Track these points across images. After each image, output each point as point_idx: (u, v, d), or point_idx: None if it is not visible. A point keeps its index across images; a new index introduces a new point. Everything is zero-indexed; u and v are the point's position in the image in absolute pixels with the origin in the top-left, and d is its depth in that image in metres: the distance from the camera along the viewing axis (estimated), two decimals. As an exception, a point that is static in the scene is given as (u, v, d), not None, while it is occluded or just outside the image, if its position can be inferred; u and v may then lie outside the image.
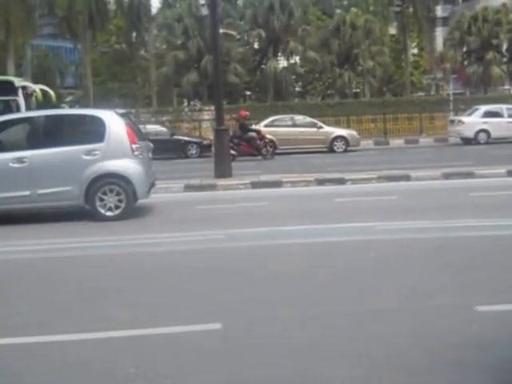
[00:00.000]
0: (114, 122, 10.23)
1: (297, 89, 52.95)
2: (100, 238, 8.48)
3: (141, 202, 10.62)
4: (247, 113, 24.50)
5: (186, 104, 47.37)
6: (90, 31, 41.04)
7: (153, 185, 11.15)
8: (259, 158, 22.23)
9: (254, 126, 23.94)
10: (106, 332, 4.66)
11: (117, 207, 9.98)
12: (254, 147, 22.48)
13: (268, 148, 22.77)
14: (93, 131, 10.56)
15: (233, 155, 19.49)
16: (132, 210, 10.16)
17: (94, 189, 9.94)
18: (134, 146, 10.19)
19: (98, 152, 10.01)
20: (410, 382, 3.70)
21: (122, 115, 10.61)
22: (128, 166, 10.14)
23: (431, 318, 4.75)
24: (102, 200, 9.94)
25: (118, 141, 10.13)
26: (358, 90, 49.87)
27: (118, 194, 10.01)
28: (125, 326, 4.77)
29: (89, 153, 10.03)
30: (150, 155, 11.26)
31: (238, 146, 21.76)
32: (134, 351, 4.34)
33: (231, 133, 20.47)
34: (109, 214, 9.92)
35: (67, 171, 9.95)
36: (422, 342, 4.27)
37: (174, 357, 4.20)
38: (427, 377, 3.73)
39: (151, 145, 11.66)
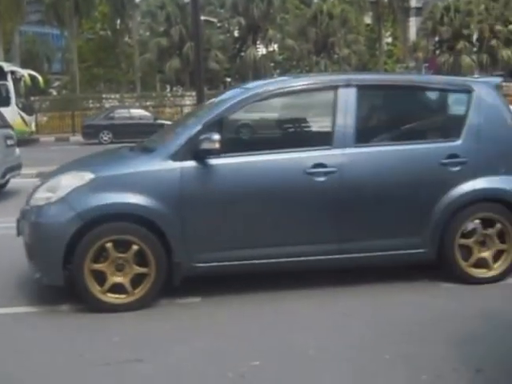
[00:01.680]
0: None
1: (275, 76, 52.88)
2: None
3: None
4: None
5: (168, 90, 47.12)
6: (76, 18, 40.57)
7: (11, 169, 10.64)
8: None
9: None
10: None
11: None
12: None
13: None
14: None
15: None
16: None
17: None
18: None
19: None
20: (384, 353, 3.78)
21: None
22: None
23: (402, 293, 4.84)
24: None
25: None
26: (334, 78, 49.85)
27: None
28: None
29: None
30: (10, 142, 10.76)
31: None
32: None
33: None
34: None
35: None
36: (393, 315, 4.36)
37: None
38: (398, 347, 3.82)
39: (11, 132, 11.15)
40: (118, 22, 47.89)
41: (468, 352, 3.66)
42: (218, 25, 46.02)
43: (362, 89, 5.00)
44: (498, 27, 45.06)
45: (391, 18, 52.42)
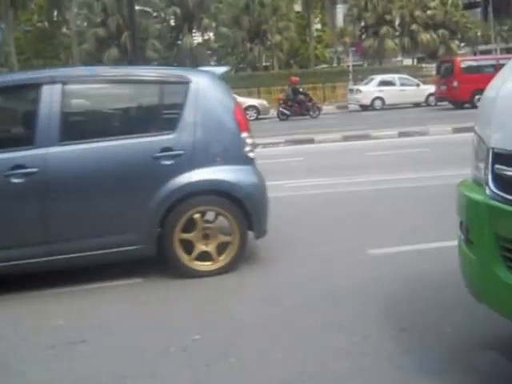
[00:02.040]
0: None
1: (212, 63, 52.49)
2: None
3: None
4: (297, 78, 25.77)
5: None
6: (11, 10, 39.19)
7: None
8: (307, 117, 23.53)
9: (301, 90, 25.05)
10: None
11: None
12: (304, 108, 23.95)
13: (315, 108, 24.20)
14: None
15: (286, 115, 23.33)
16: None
17: None
18: None
19: None
20: (318, 318, 3.84)
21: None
22: None
23: (329, 262, 4.93)
24: None
25: None
26: (268, 63, 49.98)
27: None
28: None
29: None
30: None
31: (290, 107, 23.87)
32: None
33: (283, 97, 24.40)
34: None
35: None
36: (321, 284, 4.44)
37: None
38: (330, 312, 3.89)
39: None
40: (55, 13, 46.57)
41: (393, 313, 3.77)
42: (154, 14, 45.29)
43: (69, 84, 4.63)
44: (418, 13, 45.96)
45: (320, 6, 52.76)
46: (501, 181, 2.54)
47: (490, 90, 2.90)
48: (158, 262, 4.82)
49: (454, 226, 3.05)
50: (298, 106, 23.97)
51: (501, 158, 2.56)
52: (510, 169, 2.49)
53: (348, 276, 4.53)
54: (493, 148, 2.62)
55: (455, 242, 3.05)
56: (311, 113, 23.97)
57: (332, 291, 4.22)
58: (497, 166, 2.57)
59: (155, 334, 3.71)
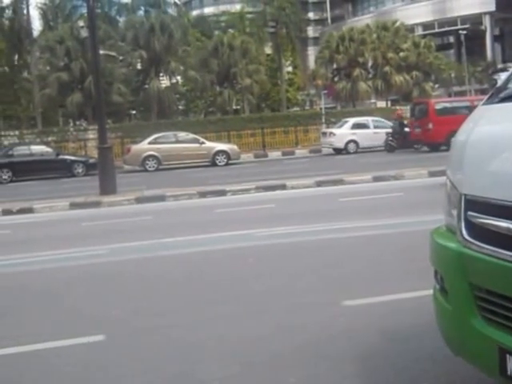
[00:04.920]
0: None
1: (180, 107, 52.90)
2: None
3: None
4: (402, 112, 29.07)
5: (71, 124, 46.13)
6: (-30, 54, 39.23)
7: None
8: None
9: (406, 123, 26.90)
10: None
11: None
12: (409, 141, 25.33)
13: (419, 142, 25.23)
14: None
15: (393, 147, 25.77)
16: None
17: None
18: None
19: None
20: (286, 377, 3.76)
21: None
22: None
23: (302, 315, 4.88)
24: None
25: None
26: (238, 107, 50.53)
27: None
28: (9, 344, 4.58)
29: None
30: None
31: (397, 140, 25.85)
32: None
33: (391, 130, 26.53)
34: None
35: None
36: (294, 337, 4.38)
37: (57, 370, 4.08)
38: (301, 371, 3.82)
39: None
40: (16, 57, 46.68)
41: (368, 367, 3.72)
42: (120, 58, 45.61)
43: None
44: (390, 54, 47.08)
45: (290, 48, 53.90)
46: (473, 228, 2.55)
47: (461, 134, 2.94)
48: (122, 315, 4.70)
49: (430, 275, 3.05)
50: (403, 139, 25.73)
51: (473, 204, 2.57)
52: (482, 216, 2.51)
53: (321, 328, 4.48)
54: (465, 194, 2.63)
55: (431, 291, 3.04)
56: (415, 146, 25.23)
57: (304, 344, 4.16)
58: (469, 212, 2.58)
59: None
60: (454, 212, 2.74)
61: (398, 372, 3.63)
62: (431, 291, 3.02)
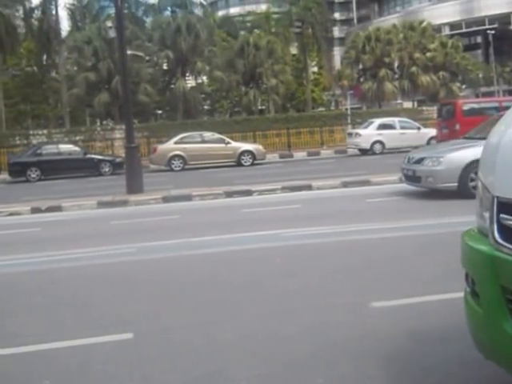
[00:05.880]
0: None
1: (205, 107, 53.06)
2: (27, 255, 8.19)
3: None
4: None
5: (98, 123, 46.57)
6: (0, 55, 39.77)
7: None
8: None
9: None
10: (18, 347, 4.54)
11: None
12: None
13: None
14: None
15: None
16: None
17: None
18: None
19: None
20: (314, 377, 3.78)
21: None
22: None
23: (330, 315, 4.88)
24: None
25: None
26: (264, 107, 50.54)
27: None
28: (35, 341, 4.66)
29: None
30: None
31: None
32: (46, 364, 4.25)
33: None
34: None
35: None
36: (322, 337, 4.39)
37: (87, 367, 4.14)
38: (329, 371, 3.83)
39: None
40: (45, 57, 47.25)
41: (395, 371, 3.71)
42: (147, 58, 45.89)
43: None
44: (417, 55, 46.73)
45: (316, 48, 53.76)
46: (506, 231, 2.54)
47: (493, 136, 2.92)
48: (152, 313, 4.74)
49: (459, 277, 3.04)
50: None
51: (505, 207, 2.56)
52: (515, 218, 2.49)
53: (350, 329, 4.48)
54: (497, 196, 2.62)
55: (458, 294, 3.03)
56: None
57: (332, 345, 4.17)
58: (502, 215, 2.57)
59: None
60: (486, 214, 2.72)
61: (425, 374, 3.63)
62: (459, 294, 3.01)
